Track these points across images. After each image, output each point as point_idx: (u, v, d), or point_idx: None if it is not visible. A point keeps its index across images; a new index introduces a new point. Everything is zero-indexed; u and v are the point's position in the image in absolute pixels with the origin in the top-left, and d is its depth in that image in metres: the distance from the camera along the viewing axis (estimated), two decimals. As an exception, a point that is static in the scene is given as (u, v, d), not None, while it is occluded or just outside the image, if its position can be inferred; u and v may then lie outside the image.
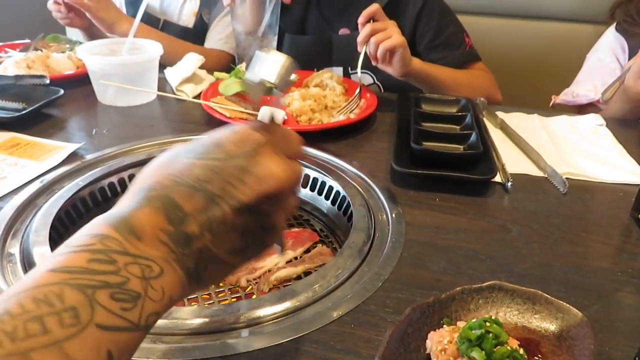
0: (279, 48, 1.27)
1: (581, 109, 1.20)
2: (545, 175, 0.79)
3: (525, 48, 1.58)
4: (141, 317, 0.28)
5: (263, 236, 0.36)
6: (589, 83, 1.16)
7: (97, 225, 0.30)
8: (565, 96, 1.19)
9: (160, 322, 0.49)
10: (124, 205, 0.32)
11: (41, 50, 1.23)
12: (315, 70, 1.22)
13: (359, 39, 0.96)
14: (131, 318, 0.27)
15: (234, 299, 0.62)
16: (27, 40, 1.31)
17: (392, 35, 0.94)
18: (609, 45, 1.19)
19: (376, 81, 1.23)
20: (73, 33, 1.52)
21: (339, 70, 1.21)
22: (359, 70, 1.01)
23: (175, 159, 0.35)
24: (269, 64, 0.47)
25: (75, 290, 0.26)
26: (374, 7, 0.96)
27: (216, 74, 1.13)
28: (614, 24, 1.19)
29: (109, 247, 0.29)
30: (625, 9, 1.15)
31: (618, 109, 1.06)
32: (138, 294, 0.28)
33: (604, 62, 1.17)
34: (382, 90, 1.24)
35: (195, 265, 0.32)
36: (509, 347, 0.38)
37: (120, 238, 0.30)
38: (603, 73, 1.09)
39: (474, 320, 0.40)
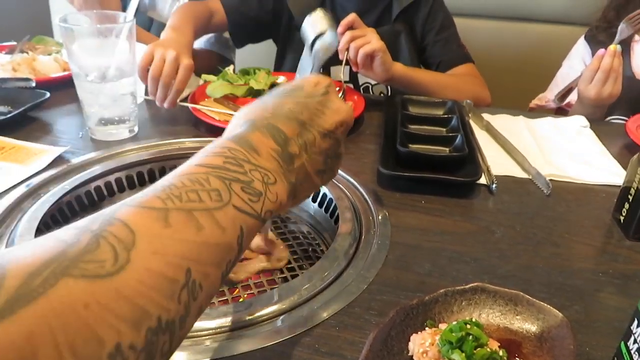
0: (292, 46, 1.27)
1: (555, 113, 1.24)
2: (530, 177, 0.80)
3: (513, 49, 1.59)
4: (262, 210, 0.35)
5: (336, 162, 0.45)
6: (559, 89, 1.20)
7: (222, 142, 0.37)
8: (539, 101, 1.23)
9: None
10: (235, 131, 0.39)
11: (27, 53, 1.22)
12: (322, 68, 1.23)
13: (339, 46, 0.98)
14: (256, 208, 0.34)
15: (221, 303, 0.62)
16: (13, 43, 1.30)
17: (370, 40, 0.95)
18: (579, 52, 1.23)
19: None
20: (60, 35, 1.51)
21: (347, 68, 1.22)
22: (342, 77, 1.03)
23: (267, 101, 0.43)
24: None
25: (217, 179, 0.32)
26: (352, 16, 0.99)
27: (204, 76, 1.13)
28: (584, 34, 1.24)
29: (236, 155, 0.35)
30: (604, 14, 1.18)
31: (578, 114, 1.09)
32: (260, 192, 0.35)
33: (574, 69, 1.21)
34: (390, 88, 1.26)
35: (295, 180, 0.40)
36: (488, 349, 0.39)
37: (243, 151, 0.36)
38: (573, 80, 1.12)
39: (454, 323, 0.41)
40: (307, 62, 0.98)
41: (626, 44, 1.15)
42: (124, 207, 0.28)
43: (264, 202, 0.35)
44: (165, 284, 0.26)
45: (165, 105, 0.93)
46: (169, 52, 0.90)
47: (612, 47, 0.98)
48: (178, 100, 1.05)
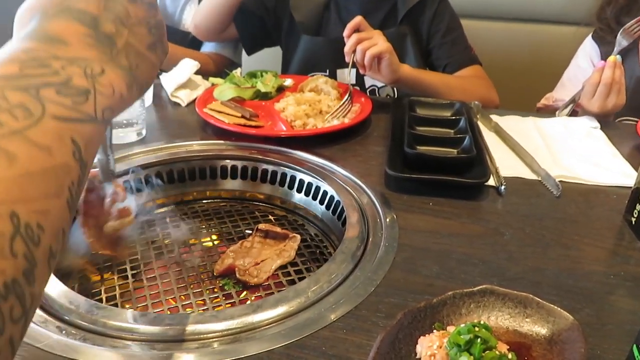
0: (295, 49, 1.27)
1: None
2: (539, 179, 0.79)
3: (521, 50, 1.59)
4: (97, 111, 0.28)
5: (161, 31, 0.38)
6: (566, 89, 1.19)
7: (12, 45, 0.28)
8: (547, 101, 1.22)
9: (153, 328, 0.49)
10: (26, 29, 0.30)
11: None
12: (328, 71, 1.23)
13: (346, 49, 0.98)
14: (86, 110, 0.28)
15: (228, 305, 0.62)
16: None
17: (377, 42, 0.95)
18: (586, 52, 1.22)
19: None
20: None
21: (353, 71, 1.22)
22: (349, 80, 1.03)
23: None
24: None
25: (18, 92, 0.25)
26: (358, 19, 0.99)
27: (211, 79, 1.13)
28: (591, 33, 1.22)
29: (37, 56, 0.28)
30: (603, 16, 1.17)
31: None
32: (87, 90, 0.28)
33: (581, 68, 1.20)
34: (396, 91, 1.25)
35: (128, 63, 0.33)
36: (497, 352, 0.38)
37: (45, 47, 0.28)
38: (580, 79, 1.11)
39: (462, 326, 0.40)
40: None
41: (634, 43, 1.13)
42: None
43: (96, 99, 0.28)
44: None
45: None
46: None
47: (611, 58, 0.96)
48: (187, 103, 1.05)
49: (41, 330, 0.48)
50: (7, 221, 0.22)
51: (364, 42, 0.96)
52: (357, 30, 0.99)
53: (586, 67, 1.19)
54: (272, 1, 1.26)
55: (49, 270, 0.25)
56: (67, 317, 0.50)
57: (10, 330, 0.22)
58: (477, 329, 0.40)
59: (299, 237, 0.72)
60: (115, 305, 0.61)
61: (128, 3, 0.34)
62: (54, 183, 0.25)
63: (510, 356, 0.40)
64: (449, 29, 1.22)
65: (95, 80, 0.29)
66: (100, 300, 0.62)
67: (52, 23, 0.30)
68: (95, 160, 0.51)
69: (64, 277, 0.63)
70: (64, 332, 0.49)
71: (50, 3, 0.31)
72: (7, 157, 0.23)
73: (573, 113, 1.12)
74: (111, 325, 0.49)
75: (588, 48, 1.23)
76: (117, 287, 0.64)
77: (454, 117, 0.95)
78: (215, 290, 0.65)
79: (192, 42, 1.37)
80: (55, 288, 0.54)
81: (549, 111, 1.22)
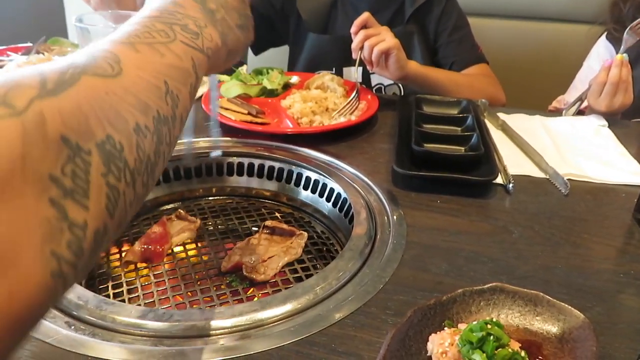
0: (302, 47, 1.27)
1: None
2: (547, 177, 0.79)
3: (529, 49, 1.58)
4: (204, 46, 0.42)
5: (248, 21, 0.52)
6: (578, 91, 1.18)
7: (149, 7, 0.42)
8: (558, 103, 1.21)
9: (161, 324, 0.49)
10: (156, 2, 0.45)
11: (43, 54, 1.23)
12: (334, 69, 1.23)
13: (353, 45, 0.98)
14: (198, 44, 0.41)
15: (236, 302, 0.62)
16: (29, 44, 1.31)
17: (385, 38, 0.95)
18: (599, 53, 1.21)
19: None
20: (75, 36, 1.52)
21: (360, 69, 1.22)
22: (357, 76, 1.02)
23: None
24: None
25: (160, 24, 0.39)
26: (365, 15, 0.99)
27: (217, 76, 1.13)
28: (605, 33, 1.21)
29: (168, 9, 0.42)
30: (618, 15, 1.16)
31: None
32: (197, 33, 0.42)
33: (593, 69, 1.19)
34: (402, 90, 1.25)
35: (221, 29, 0.46)
36: (510, 350, 0.38)
37: (172, 7, 0.42)
38: (582, 92, 1.11)
39: (475, 323, 0.40)
40: None
41: None
42: (100, 44, 0.34)
43: (203, 40, 0.42)
44: (153, 89, 0.33)
45: None
46: None
47: (618, 56, 0.96)
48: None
49: (50, 325, 0.48)
50: (163, 83, 0.34)
51: (372, 38, 0.96)
52: (364, 26, 0.99)
53: (598, 69, 1.18)
54: (279, 1, 1.26)
55: (181, 128, 0.37)
56: (75, 313, 0.50)
57: (163, 149, 0.34)
58: (489, 326, 0.39)
59: (305, 234, 0.72)
60: (123, 301, 0.61)
61: None
62: (183, 77, 0.37)
63: (522, 354, 0.39)
64: (456, 27, 1.22)
65: (201, 29, 0.42)
66: (108, 296, 0.61)
67: None
68: None
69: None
70: (72, 327, 0.49)
71: None
72: (159, 53, 0.36)
73: (579, 113, 1.11)
74: (119, 321, 0.49)
75: (601, 49, 1.22)
76: (124, 284, 0.64)
77: (461, 115, 0.95)
78: (222, 287, 0.65)
79: None
80: (63, 283, 0.53)
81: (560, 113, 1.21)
